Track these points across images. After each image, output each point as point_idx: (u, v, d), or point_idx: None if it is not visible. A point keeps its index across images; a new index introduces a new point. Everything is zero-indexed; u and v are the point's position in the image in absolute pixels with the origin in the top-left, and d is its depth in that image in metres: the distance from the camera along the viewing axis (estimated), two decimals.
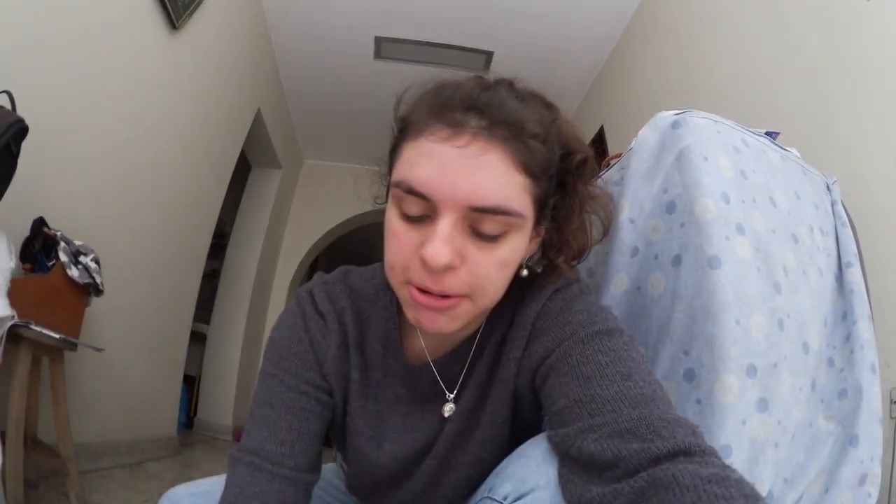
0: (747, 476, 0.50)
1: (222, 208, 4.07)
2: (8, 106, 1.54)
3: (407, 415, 0.82)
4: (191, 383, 4.80)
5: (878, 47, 1.52)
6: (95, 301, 2.14)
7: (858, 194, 1.30)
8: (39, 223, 1.94)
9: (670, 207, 0.92)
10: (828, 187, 1.14)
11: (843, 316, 1.00)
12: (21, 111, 1.51)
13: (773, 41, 2.04)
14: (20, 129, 1.48)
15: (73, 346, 1.98)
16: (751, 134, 1.05)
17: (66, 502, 1.94)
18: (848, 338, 0.98)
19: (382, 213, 0.70)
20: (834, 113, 1.62)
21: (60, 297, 1.91)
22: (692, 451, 0.52)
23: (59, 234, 1.94)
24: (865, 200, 1.32)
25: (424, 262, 0.62)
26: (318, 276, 0.86)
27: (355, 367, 0.81)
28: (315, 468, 0.77)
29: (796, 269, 0.93)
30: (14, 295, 1.49)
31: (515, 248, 0.66)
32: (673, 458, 0.52)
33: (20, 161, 1.52)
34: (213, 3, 3.08)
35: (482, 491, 0.68)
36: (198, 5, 2.88)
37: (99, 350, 2.20)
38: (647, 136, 1.01)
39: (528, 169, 0.64)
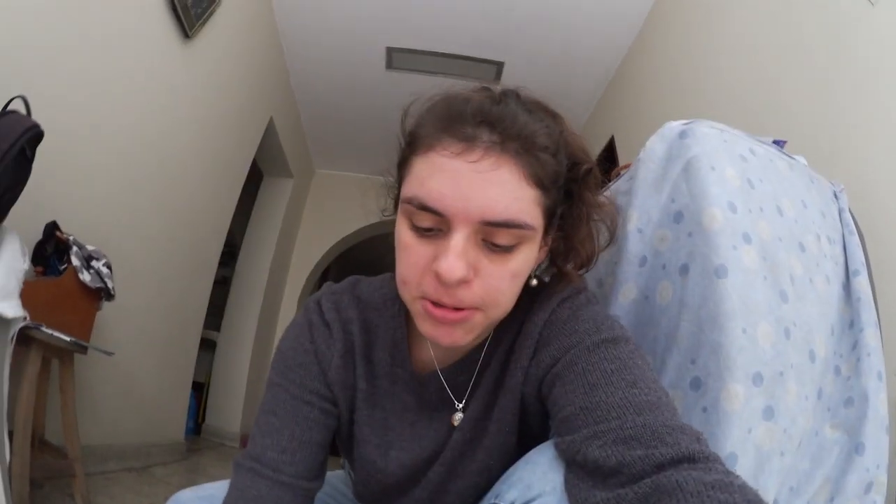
0: (753, 484, 0.50)
1: (234, 216, 4.09)
2: (23, 111, 1.55)
3: (414, 423, 0.82)
4: (199, 390, 4.81)
5: (884, 54, 1.52)
6: (106, 306, 2.16)
7: (866, 202, 1.30)
8: (52, 227, 1.95)
9: (678, 217, 0.93)
10: (835, 195, 1.14)
11: (850, 324, 1.00)
12: (36, 117, 1.52)
13: (781, 49, 2.05)
14: (36, 134, 1.50)
15: (84, 350, 1.99)
16: (758, 143, 1.05)
17: (72, 503, 1.95)
18: (855, 346, 0.98)
19: (393, 223, 0.71)
20: (841, 120, 1.62)
21: (72, 300, 1.93)
22: (696, 457, 0.53)
23: (71, 238, 1.96)
24: (873, 208, 1.31)
25: (439, 277, 0.62)
26: (327, 286, 0.86)
27: (362, 377, 0.82)
28: (317, 476, 0.77)
29: (803, 277, 0.93)
30: (26, 297, 1.50)
31: (527, 259, 0.67)
32: (677, 465, 0.52)
33: (34, 165, 1.53)
34: (226, 13, 3.11)
35: (489, 497, 0.69)
36: (210, 15, 2.90)
37: (109, 354, 2.21)
38: (655, 146, 1.02)
39: (539, 182, 0.64)
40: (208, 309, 4.01)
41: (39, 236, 1.94)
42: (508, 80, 0.70)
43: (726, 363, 0.79)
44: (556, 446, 0.63)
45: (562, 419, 0.64)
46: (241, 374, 4.97)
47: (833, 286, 1.00)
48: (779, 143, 1.12)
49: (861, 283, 1.02)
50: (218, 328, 5.05)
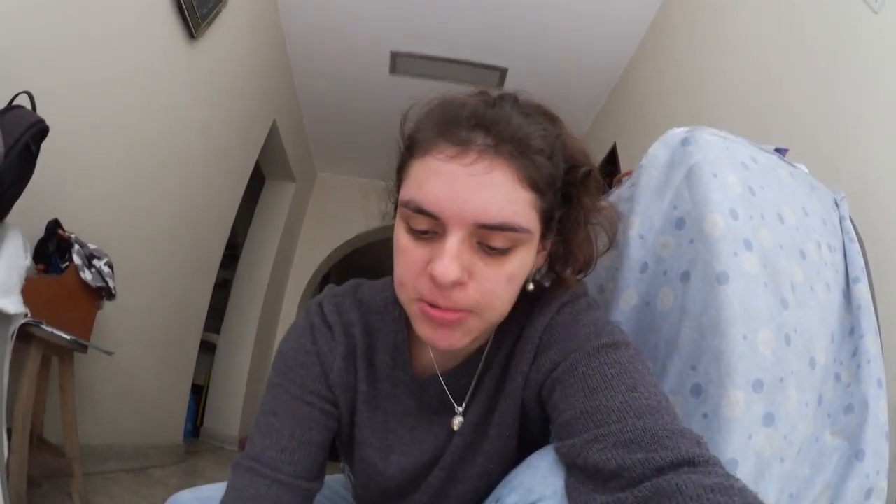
0: (753, 490, 0.50)
1: (236, 219, 4.10)
2: (28, 106, 1.56)
3: (414, 427, 0.83)
4: (199, 392, 4.81)
5: (886, 61, 1.52)
6: (107, 305, 2.16)
7: (867, 210, 1.30)
8: (54, 225, 1.95)
9: (680, 223, 0.93)
10: (836, 203, 1.15)
11: (850, 331, 1.01)
12: (41, 114, 1.53)
13: (784, 55, 2.05)
14: (40, 130, 1.50)
15: (84, 348, 1.99)
16: (760, 150, 1.05)
17: (70, 502, 1.95)
18: (855, 353, 0.98)
19: (394, 227, 0.71)
20: (843, 125, 1.63)
21: (73, 299, 1.93)
22: (696, 461, 0.53)
23: (73, 236, 1.96)
24: (874, 216, 1.32)
25: (434, 279, 0.63)
26: (329, 289, 0.87)
27: (363, 380, 0.82)
28: (316, 476, 0.77)
29: (804, 284, 0.93)
30: (27, 294, 1.50)
31: (523, 263, 0.67)
32: (677, 469, 0.52)
33: (38, 162, 1.53)
34: (231, 15, 3.11)
35: (489, 501, 0.70)
36: (216, 16, 2.91)
37: (109, 353, 2.21)
38: (658, 153, 1.02)
39: (535, 184, 0.65)
40: (209, 311, 4.01)
41: (41, 233, 1.94)
42: (512, 86, 0.70)
43: (727, 369, 0.79)
44: (557, 450, 0.64)
45: (562, 423, 0.64)
46: (241, 377, 4.96)
47: (833, 293, 1.00)
48: (780, 151, 1.13)
49: (861, 291, 1.02)
50: (218, 331, 5.05)
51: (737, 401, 0.78)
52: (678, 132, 1.02)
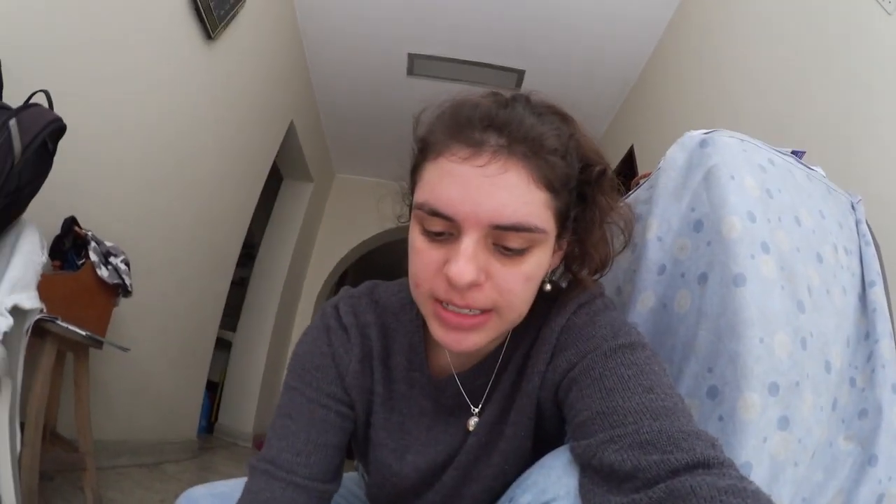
0: (766, 493, 0.50)
1: (253, 218, 4.12)
2: (45, 105, 1.57)
3: (431, 427, 0.83)
4: (214, 389, 4.84)
5: None
6: (123, 302, 2.17)
7: (883, 213, 1.29)
8: (71, 222, 1.97)
9: (697, 226, 0.93)
10: (852, 206, 1.14)
11: (866, 335, 1.00)
12: (59, 113, 1.54)
13: (800, 59, 2.05)
14: (58, 128, 1.51)
15: (99, 344, 2.00)
16: (777, 153, 1.05)
17: (81, 496, 1.96)
18: (870, 357, 0.98)
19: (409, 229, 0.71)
20: (859, 131, 1.62)
21: (89, 295, 1.94)
22: (711, 463, 0.53)
23: (89, 233, 1.98)
24: (890, 219, 1.31)
25: (449, 280, 0.63)
26: (345, 290, 0.87)
27: (379, 381, 0.82)
28: (332, 479, 0.78)
29: (820, 288, 0.93)
30: (43, 290, 1.51)
31: (539, 263, 0.67)
32: (691, 470, 0.52)
33: (55, 160, 1.55)
34: (249, 15, 3.13)
35: (503, 501, 0.70)
36: (233, 17, 2.93)
37: (125, 350, 2.23)
38: (676, 155, 1.02)
39: (549, 184, 0.65)
40: (225, 309, 4.03)
41: (58, 231, 1.95)
42: (529, 87, 0.71)
43: (743, 372, 0.79)
44: (572, 450, 0.64)
45: (578, 424, 0.65)
46: (256, 375, 4.99)
47: (849, 297, 1.00)
48: (797, 154, 1.12)
49: (877, 294, 1.02)
50: (234, 328, 5.08)
51: (752, 404, 0.78)
52: (696, 134, 1.02)
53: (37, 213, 1.55)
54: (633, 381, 0.64)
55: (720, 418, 0.79)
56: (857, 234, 1.10)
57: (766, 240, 0.87)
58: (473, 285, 0.63)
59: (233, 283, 4.06)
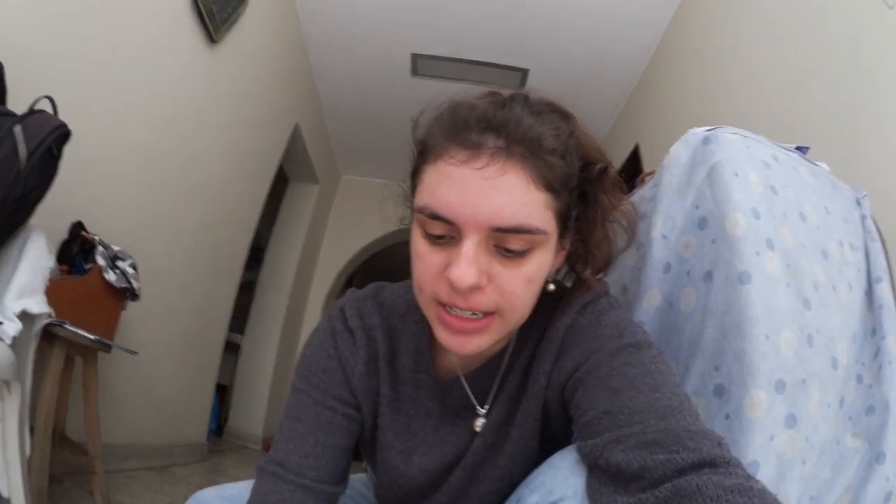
0: (774, 492, 0.50)
1: (260, 221, 4.13)
2: (50, 111, 1.58)
3: (437, 428, 0.83)
4: (223, 392, 4.85)
5: None
6: (132, 306, 2.18)
7: (888, 208, 1.28)
8: (78, 227, 1.98)
9: (702, 223, 0.93)
10: (858, 202, 1.14)
11: (872, 332, 0.99)
12: (63, 118, 1.55)
13: (803, 55, 2.04)
14: (63, 134, 1.52)
15: (108, 348, 2.01)
16: (781, 149, 1.05)
17: (90, 499, 1.97)
18: (876, 354, 0.97)
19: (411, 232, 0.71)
20: (863, 126, 1.61)
21: (97, 299, 1.95)
22: (717, 462, 0.53)
23: (97, 238, 1.99)
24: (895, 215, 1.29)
25: (451, 283, 0.63)
26: (350, 293, 0.87)
27: (385, 383, 0.82)
28: (340, 481, 0.78)
29: (826, 284, 0.92)
30: (51, 295, 1.52)
31: (541, 264, 0.67)
32: (698, 470, 0.52)
33: (61, 165, 1.55)
34: (251, 18, 3.14)
35: (510, 501, 0.70)
36: (236, 20, 2.94)
37: (133, 353, 2.23)
38: (679, 153, 1.02)
39: (549, 185, 0.64)
40: (233, 312, 4.05)
41: (65, 235, 1.96)
42: (533, 86, 0.70)
43: (749, 370, 0.79)
44: (579, 450, 0.63)
45: (584, 424, 0.64)
46: (265, 377, 5.01)
47: (855, 293, 0.99)
48: (801, 150, 1.11)
49: (883, 290, 1.01)
50: (242, 331, 5.09)
51: (759, 401, 0.78)
52: (699, 131, 1.01)
53: (43, 218, 1.56)
54: (638, 380, 0.63)
55: (727, 416, 0.79)
56: (863, 229, 1.09)
57: (771, 236, 0.87)
58: (475, 288, 0.63)
59: (241, 286, 4.08)
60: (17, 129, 1.39)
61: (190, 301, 3.24)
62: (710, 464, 0.52)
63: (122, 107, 2.24)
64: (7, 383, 1.39)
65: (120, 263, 2.05)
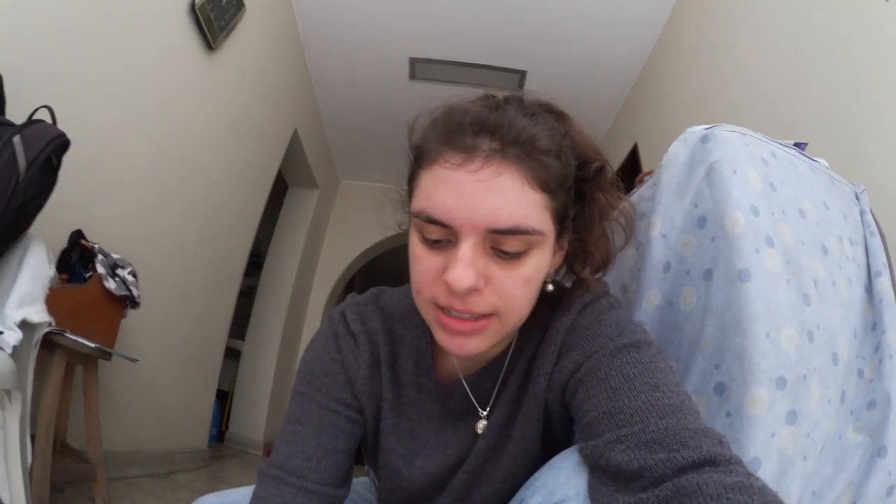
0: (775, 489, 0.50)
1: (259, 227, 4.13)
2: (49, 120, 1.58)
3: (439, 431, 0.83)
4: (224, 398, 4.85)
5: None
6: (132, 314, 2.18)
7: (887, 203, 1.29)
8: (77, 235, 1.98)
9: (701, 222, 0.93)
10: (856, 197, 1.13)
11: (873, 326, 0.99)
12: (61, 127, 1.55)
13: (801, 51, 2.04)
14: (62, 143, 1.52)
15: (108, 356, 2.01)
16: (779, 146, 1.04)
17: None
18: (877, 348, 0.97)
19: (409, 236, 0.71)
20: (861, 121, 1.61)
21: (97, 307, 1.95)
22: (718, 460, 0.53)
23: (96, 246, 1.99)
24: (894, 209, 1.29)
25: (449, 286, 0.63)
26: (351, 298, 0.87)
27: (387, 387, 0.82)
28: (342, 484, 0.77)
29: (826, 280, 0.92)
30: (51, 304, 1.52)
31: (539, 265, 0.67)
32: (698, 468, 0.52)
33: (60, 175, 1.55)
34: (249, 25, 3.14)
35: (513, 503, 0.70)
36: (234, 27, 2.94)
37: (133, 361, 2.24)
38: (678, 152, 1.02)
39: (544, 185, 0.64)
40: (233, 318, 4.04)
41: (65, 244, 1.97)
42: (531, 88, 0.71)
43: (750, 367, 0.79)
44: (580, 451, 0.64)
45: (585, 424, 0.65)
46: (266, 383, 5.00)
47: (855, 288, 0.99)
48: (800, 146, 1.11)
49: (883, 285, 1.01)
50: (243, 337, 5.10)
51: (760, 399, 0.77)
52: (697, 130, 1.01)
53: (43, 227, 1.56)
54: (638, 379, 0.63)
55: (728, 414, 0.79)
56: (862, 224, 1.09)
57: (771, 233, 0.87)
58: (473, 290, 0.63)
59: (241, 292, 4.08)
60: (17, 140, 1.39)
61: (190, 308, 3.24)
62: (711, 462, 0.52)
63: (120, 115, 2.25)
64: (8, 392, 1.38)
65: (119, 271, 2.05)
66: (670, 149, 1.03)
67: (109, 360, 2.05)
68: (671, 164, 1.01)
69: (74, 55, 1.94)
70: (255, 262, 4.94)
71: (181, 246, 2.97)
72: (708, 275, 0.87)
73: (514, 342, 0.80)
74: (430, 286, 0.66)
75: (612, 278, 0.89)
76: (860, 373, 0.95)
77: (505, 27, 3.74)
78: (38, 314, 1.46)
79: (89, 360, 1.98)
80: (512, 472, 0.79)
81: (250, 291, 5.11)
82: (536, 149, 0.64)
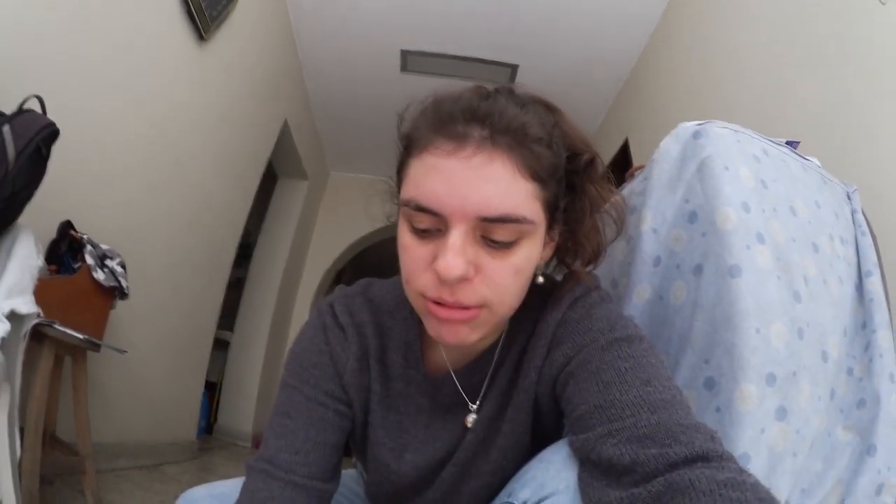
0: (764, 485, 0.50)
1: (248, 218, 4.11)
2: (38, 109, 1.57)
3: (428, 425, 0.82)
4: (212, 389, 4.83)
5: (894, 54, 1.51)
6: (120, 305, 2.17)
7: (879, 203, 1.29)
8: (66, 226, 1.97)
9: (692, 217, 0.93)
10: (848, 196, 1.14)
11: (863, 325, 1.00)
12: (51, 117, 1.54)
13: (794, 50, 2.05)
14: (51, 133, 1.50)
15: (97, 347, 2.00)
16: (771, 143, 1.05)
17: (82, 499, 1.96)
18: (867, 347, 0.97)
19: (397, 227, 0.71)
20: (854, 121, 1.62)
21: (86, 298, 1.94)
22: (710, 456, 0.53)
23: (85, 237, 1.97)
24: (886, 209, 1.31)
25: (439, 275, 0.62)
26: (339, 289, 0.87)
27: (376, 379, 0.82)
28: (331, 477, 0.77)
29: (816, 278, 0.92)
30: (40, 295, 1.51)
31: (529, 255, 0.66)
32: (690, 464, 0.52)
33: (50, 165, 1.54)
34: (241, 15, 3.12)
35: (502, 496, 0.70)
36: (225, 18, 2.92)
37: (122, 352, 2.22)
38: (670, 147, 1.02)
39: (535, 174, 0.64)
40: (222, 309, 4.03)
41: (53, 235, 1.95)
42: (523, 82, 0.71)
43: (739, 363, 0.79)
44: (571, 445, 0.63)
45: (576, 418, 0.64)
46: (254, 374, 4.99)
47: (846, 287, 0.99)
48: (792, 144, 1.12)
49: (873, 284, 1.01)
50: (231, 328, 5.07)
51: (749, 395, 0.78)
52: (689, 126, 1.01)
53: (32, 217, 1.55)
54: (630, 373, 0.63)
55: (717, 409, 0.79)
56: (854, 223, 1.09)
57: (761, 230, 0.87)
58: (463, 279, 0.63)
59: (230, 283, 4.06)
60: (6, 129, 1.38)
61: (179, 299, 3.22)
62: (703, 458, 0.52)
63: (110, 105, 2.23)
64: None
65: (108, 262, 2.04)
66: (662, 144, 1.03)
67: (98, 351, 2.04)
68: (662, 160, 1.01)
69: (65, 45, 1.92)
70: (244, 254, 4.92)
71: (170, 237, 2.95)
72: (698, 270, 0.87)
73: (503, 335, 0.79)
74: (419, 276, 0.66)
75: (603, 272, 0.89)
76: (850, 371, 0.95)
77: (497, 21, 3.73)
78: (27, 305, 1.45)
79: (78, 352, 1.96)
80: (501, 465, 0.78)
81: (239, 283, 5.09)
82: (528, 137, 0.64)
